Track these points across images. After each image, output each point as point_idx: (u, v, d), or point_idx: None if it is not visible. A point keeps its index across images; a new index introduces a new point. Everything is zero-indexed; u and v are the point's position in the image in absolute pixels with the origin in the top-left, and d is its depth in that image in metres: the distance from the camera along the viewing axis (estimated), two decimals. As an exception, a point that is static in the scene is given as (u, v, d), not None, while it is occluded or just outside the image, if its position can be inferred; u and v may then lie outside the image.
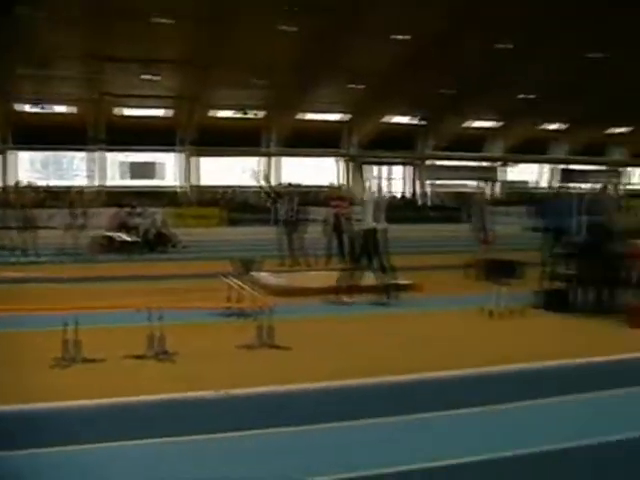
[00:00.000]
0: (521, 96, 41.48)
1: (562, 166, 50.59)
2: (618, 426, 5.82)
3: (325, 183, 32.88)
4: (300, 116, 41.41)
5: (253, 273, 11.79)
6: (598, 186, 17.32)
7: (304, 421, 5.89)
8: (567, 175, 47.20)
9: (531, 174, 51.77)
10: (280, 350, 8.22)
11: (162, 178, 42.58)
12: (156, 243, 21.38)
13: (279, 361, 7.91)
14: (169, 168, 42.52)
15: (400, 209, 43.57)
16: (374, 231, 11.72)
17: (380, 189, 15.41)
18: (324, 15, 30.27)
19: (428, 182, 48.00)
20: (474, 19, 31.77)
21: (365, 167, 46.24)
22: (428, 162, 47.64)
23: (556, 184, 17.71)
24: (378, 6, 29.95)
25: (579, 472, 5.09)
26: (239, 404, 6.46)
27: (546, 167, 51.37)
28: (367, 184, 11.36)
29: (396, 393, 6.86)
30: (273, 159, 43.37)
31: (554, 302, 11.33)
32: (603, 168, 53.77)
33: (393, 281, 11.84)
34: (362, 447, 5.35)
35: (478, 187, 48.55)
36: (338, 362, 7.81)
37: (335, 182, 38.18)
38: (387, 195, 16.47)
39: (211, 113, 40.29)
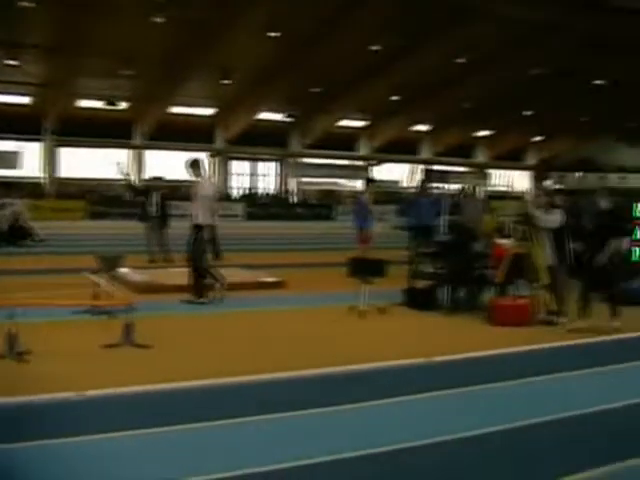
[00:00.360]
0: (391, 97, 42.26)
1: (426, 166, 51.87)
2: (476, 422, 5.96)
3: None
4: (170, 109, 40.71)
5: (117, 269, 11.48)
6: (465, 187, 17.74)
7: (163, 422, 5.74)
8: (431, 175, 48.34)
9: (402, 174, 52.86)
10: (141, 349, 8.01)
11: (23, 168, 40.92)
12: (16, 236, 20.53)
13: (140, 360, 7.70)
14: (31, 158, 40.86)
15: (269, 206, 43.84)
16: (200, 227, 11.53)
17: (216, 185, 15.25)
18: (196, 8, 29.83)
19: (297, 179, 48.18)
20: (346, 20, 32.12)
21: (232, 163, 46.28)
22: (297, 159, 47.83)
23: (422, 184, 18.28)
24: (251, 3, 29.79)
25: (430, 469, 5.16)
26: (98, 405, 6.25)
27: (418, 167, 52.52)
28: (200, 179, 10.74)
29: (246, 393, 6.81)
30: (141, 152, 42.45)
31: (418, 300, 11.58)
32: (468, 169, 55.54)
33: (210, 280, 11.64)
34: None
35: (360, 186, 49.42)
36: (197, 361, 7.75)
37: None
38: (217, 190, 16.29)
39: (77, 102, 39.04)
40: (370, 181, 18.83)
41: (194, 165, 11.78)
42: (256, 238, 26.47)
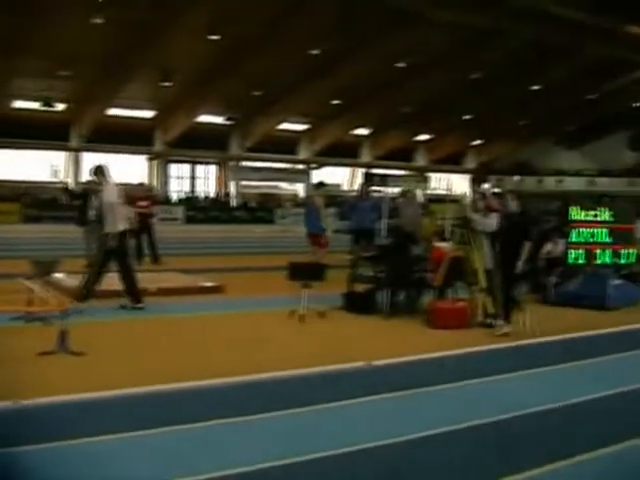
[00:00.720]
0: (332, 101, 42.35)
1: (366, 170, 52.12)
2: (414, 425, 5.96)
3: (135, 181, 31.89)
4: (109, 111, 40.11)
5: (52, 274, 11.24)
6: (405, 190, 17.82)
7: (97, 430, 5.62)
8: (372, 179, 48.54)
9: (343, 177, 53.00)
10: (76, 356, 7.84)
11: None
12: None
13: (74, 368, 7.54)
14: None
15: (209, 209, 43.58)
16: (106, 235, 11.31)
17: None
18: (136, 9, 29.44)
19: (238, 183, 47.96)
20: (286, 24, 32.08)
21: (172, 166, 45.91)
22: (237, 162, 47.62)
23: (362, 188, 18.39)
24: (191, 5, 29.52)
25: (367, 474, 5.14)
26: (34, 413, 6.09)
27: (359, 171, 52.71)
28: (104, 186, 10.41)
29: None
30: (79, 154, 41.74)
31: (358, 304, 11.59)
32: (409, 173, 55.99)
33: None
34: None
35: (302, 189, 49.45)
36: (131, 368, 7.64)
37: (145, 180, 37.40)
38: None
39: (12, 103, 38.24)
40: (321, 185, 18.70)
41: (98, 172, 11.51)
42: (196, 242, 26.29)
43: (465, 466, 5.29)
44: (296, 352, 8.66)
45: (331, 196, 44.95)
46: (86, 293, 11.02)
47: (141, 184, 24.41)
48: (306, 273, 11.22)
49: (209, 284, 13.47)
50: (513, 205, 10.72)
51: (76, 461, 5.11)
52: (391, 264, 11.61)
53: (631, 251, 13.75)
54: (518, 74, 41.15)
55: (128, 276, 11.30)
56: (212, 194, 47.48)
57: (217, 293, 13.07)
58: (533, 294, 13.56)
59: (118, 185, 11.84)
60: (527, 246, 9.89)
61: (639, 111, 53.31)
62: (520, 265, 9.77)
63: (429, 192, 55.37)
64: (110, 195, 11.43)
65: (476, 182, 52.91)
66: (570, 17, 32.09)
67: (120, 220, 11.30)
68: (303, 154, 49.70)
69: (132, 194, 17.80)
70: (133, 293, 11.27)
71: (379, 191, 42.28)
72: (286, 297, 11.32)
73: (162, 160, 44.86)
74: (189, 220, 40.22)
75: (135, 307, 11.13)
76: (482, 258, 10.78)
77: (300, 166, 50.75)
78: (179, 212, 40.83)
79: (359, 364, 7.98)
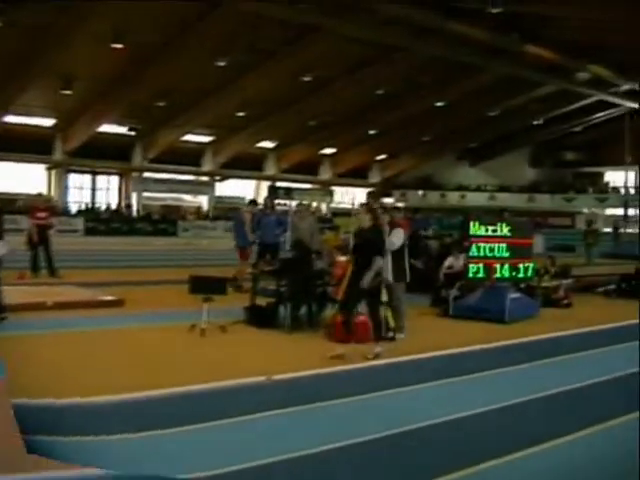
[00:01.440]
0: (237, 113, 42.14)
1: (271, 183, 52.16)
2: (310, 440, 5.88)
3: (33, 192, 30.97)
4: (5, 118, 38.78)
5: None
6: (299, 204, 17.80)
7: None
8: (277, 192, 48.61)
9: (248, 190, 52.72)
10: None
11: None
12: None
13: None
14: None
15: (110, 221, 42.66)
16: None
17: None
18: (37, 13, 28.59)
19: (140, 194, 47.22)
20: (191, 35, 31.75)
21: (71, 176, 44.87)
22: (140, 174, 46.90)
23: (266, 201, 18.42)
24: (95, 11, 28.90)
25: None
26: None
27: (263, 184, 52.61)
28: None
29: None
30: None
31: (260, 318, 11.48)
32: (314, 186, 56.24)
33: None
34: None
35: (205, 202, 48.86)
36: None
37: (44, 191, 36.49)
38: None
39: None
40: (253, 202, 18.86)
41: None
42: (95, 254, 25.70)
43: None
44: (194, 367, 8.48)
45: (235, 209, 44.95)
46: None
47: (39, 194, 23.77)
48: (207, 287, 11.06)
49: (108, 298, 13.11)
50: (385, 219, 10.77)
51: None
52: (293, 278, 11.55)
53: (529, 265, 14.04)
54: (422, 90, 41.93)
55: None
56: (114, 205, 46.48)
57: (116, 307, 12.74)
58: (434, 307, 13.71)
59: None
60: (377, 261, 9.75)
61: (539, 129, 55.00)
62: (366, 281, 9.60)
63: (334, 206, 55.81)
64: None
65: (372, 196, 53.59)
66: (473, 36, 32.80)
67: None
68: (207, 166, 49.26)
69: (30, 205, 17.29)
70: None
71: (284, 204, 42.51)
72: (188, 311, 11.13)
73: (62, 170, 43.72)
74: (89, 232, 39.33)
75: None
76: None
77: (204, 178, 50.33)
78: (79, 223, 39.91)
79: (258, 379, 7.85)
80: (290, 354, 9.62)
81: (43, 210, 17.90)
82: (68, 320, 11.13)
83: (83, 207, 45.07)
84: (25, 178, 40.91)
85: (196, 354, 9.35)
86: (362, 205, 12.22)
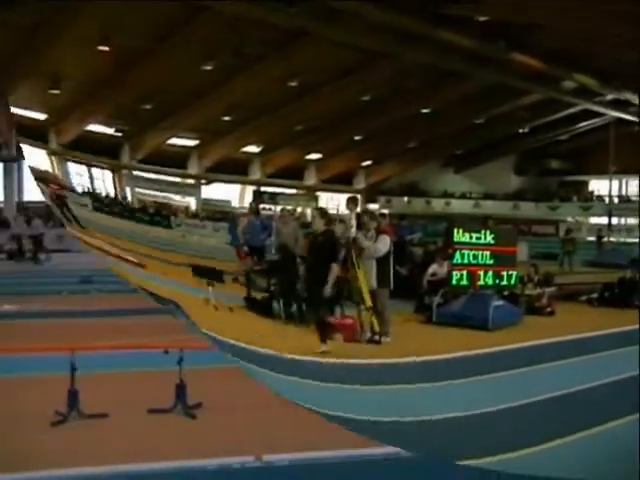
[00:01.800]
0: (223, 117, 42.07)
1: (256, 187, 52.07)
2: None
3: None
4: None
5: None
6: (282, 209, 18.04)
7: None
8: (262, 196, 48.51)
9: (234, 193, 52.66)
10: None
11: None
12: None
13: None
14: None
15: (112, 205, 42.95)
16: None
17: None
18: (22, 12, 28.54)
19: (133, 189, 47.13)
20: (178, 38, 31.73)
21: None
22: (130, 171, 46.77)
23: (252, 205, 18.56)
24: (82, 13, 28.87)
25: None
26: None
27: (248, 188, 52.51)
28: None
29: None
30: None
31: (258, 308, 11.98)
32: (299, 191, 56.14)
33: None
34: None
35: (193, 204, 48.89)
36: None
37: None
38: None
39: None
40: (252, 207, 19.55)
41: None
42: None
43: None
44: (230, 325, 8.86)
45: (222, 212, 45.06)
46: None
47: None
48: (207, 273, 11.82)
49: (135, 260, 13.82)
50: (373, 225, 10.83)
51: None
52: (280, 279, 11.94)
53: (513, 273, 14.10)
54: (408, 96, 41.95)
55: None
56: (112, 194, 46.54)
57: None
58: (417, 314, 13.78)
59: None
60: (334, 269, 9.75)
61: (525, 137, 55.10)
62: (327, 291, 9.60)
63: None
64: None
65: (352, 201, 53.62)
66: (460, 43, 32.89)
67: None
68: (193, 169, 49.09)
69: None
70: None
71: (269, 209, 42.52)
72: (195, 288, 11.86)
73: (61, 157, 43.64)
74: (96, 209, 40.14)
75: None
76: (367, 279, 10.84)
77: (190, 181, 50.16)
78: (87, 201, 40.71)
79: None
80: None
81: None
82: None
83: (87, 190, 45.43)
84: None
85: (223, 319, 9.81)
86: (315, 209, 12.27)
